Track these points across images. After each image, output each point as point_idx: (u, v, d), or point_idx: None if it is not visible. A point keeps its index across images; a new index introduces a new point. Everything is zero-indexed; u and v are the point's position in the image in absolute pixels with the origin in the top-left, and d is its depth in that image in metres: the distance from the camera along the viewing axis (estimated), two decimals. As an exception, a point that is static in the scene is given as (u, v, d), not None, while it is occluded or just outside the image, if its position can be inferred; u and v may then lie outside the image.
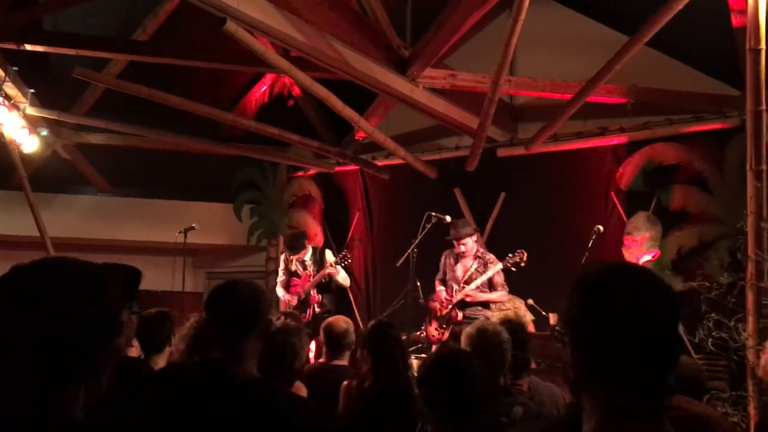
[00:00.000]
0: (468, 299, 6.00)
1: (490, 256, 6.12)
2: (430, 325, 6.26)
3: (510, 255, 5.99)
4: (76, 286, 1.30)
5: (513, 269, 5.97)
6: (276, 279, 7.48)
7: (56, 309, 1.25)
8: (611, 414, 1.23)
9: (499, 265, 5.99)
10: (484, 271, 6.02)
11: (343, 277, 7.29)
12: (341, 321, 4.18)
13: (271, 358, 2.73)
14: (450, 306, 6.08)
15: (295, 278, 7.24)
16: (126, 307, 3.05)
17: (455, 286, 6.10)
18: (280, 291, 7.28)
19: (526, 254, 5.92)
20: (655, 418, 1.24)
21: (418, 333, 6.38)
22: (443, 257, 6.40)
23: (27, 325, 1.24)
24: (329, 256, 7.25)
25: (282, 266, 7.39)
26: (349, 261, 7.28)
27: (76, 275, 1.32)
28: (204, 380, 2.12)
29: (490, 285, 6.04)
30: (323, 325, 4.19)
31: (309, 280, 7.12)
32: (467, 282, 6.05)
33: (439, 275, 6.39)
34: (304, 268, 7.22)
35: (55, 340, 1.24)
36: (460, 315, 6.02)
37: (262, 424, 2.01)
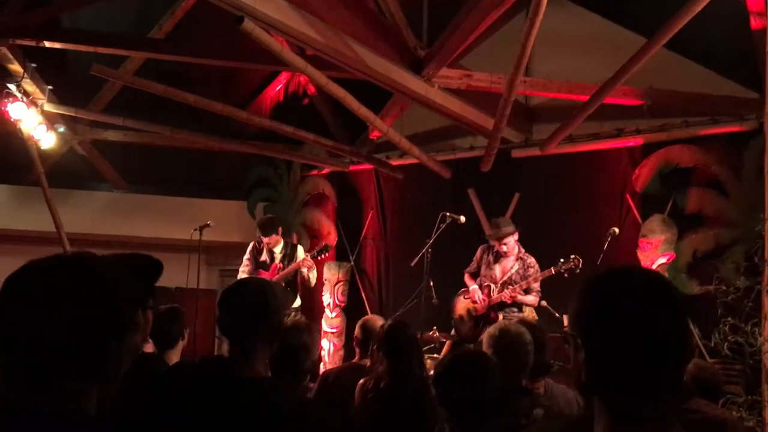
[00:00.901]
0: (508, 301, 5.92)
1: (531, 260, 6.04)
2: (463, 324, 6.18)
3: (562, 260, 5.78)
4: (90, 283, 1.30)
5: (566, 275, 5.74)
6: (241, 268, 7.18)
7: (70, 306, 1.25)
8: (621, 416, 1.24)
9: (538, 280, 5.90)
10: (524, 274, 5.95)
11: (313, 276, 7.17)
12: (378, 320, 4.14)
13: (282, 357, 2.74)
14: (487, 306, 6.02)
15: (262, 270, 7.06)
16: (144, 303, 3.09)
17: (492, 286, 6.05)
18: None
19: (581, 261, 5.69)
20: (665, 420, 1.24)
21: (431, 333, 6.37)
22: (480, 251, 6.34)
23: (40, 321, 1.23)
24: (301, 252, 7.14)
25: (248, 255, 7.18)
26: (325, 256, 7.24)
27: (91, 272, 1.32)
28: (208, 378, 2.13)
29: (526, 288, 6.00)
30: (360, 322, 4.16)
31: (277, 273, 6.98)
32: (506, 284, 5.99)
33: (470, 268, 6.34)
34: (272, 260, 7.12)
35: (68, 337, 1.24)
36: (500, 316, 5.94)
37: (261, 423, 2.01)
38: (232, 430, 2.00)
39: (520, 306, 6.05)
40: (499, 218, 6.32)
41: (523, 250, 6.18)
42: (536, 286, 5.98)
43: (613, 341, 1.23)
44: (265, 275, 6.91)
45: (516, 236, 6.14)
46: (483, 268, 6.24)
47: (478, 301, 6.12)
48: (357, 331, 4.11)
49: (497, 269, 6.13)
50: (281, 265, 7.07)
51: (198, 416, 2.01)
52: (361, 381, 3.50)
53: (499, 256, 6.17)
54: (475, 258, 6.36)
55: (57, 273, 1.29)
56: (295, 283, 7.11)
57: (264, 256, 7.15)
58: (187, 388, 2.10)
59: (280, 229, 7.15)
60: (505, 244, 6.05)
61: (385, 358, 3.40)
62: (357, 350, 4.16)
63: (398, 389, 3.28)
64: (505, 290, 5.96)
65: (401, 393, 3.26)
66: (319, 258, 7.15)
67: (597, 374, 1.26)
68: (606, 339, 1.24)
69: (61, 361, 1.24)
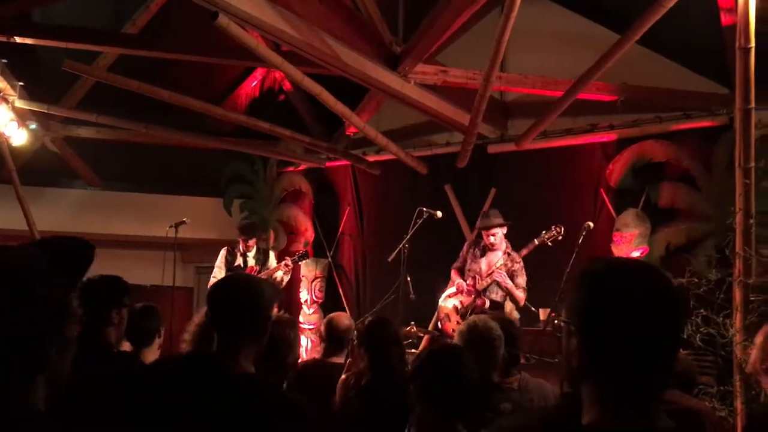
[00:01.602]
0: (498, 279, 5.91)
1: (517, 256, 6.06)
2: (450, 321, 6.21)
3: (544, 231, 5.91)
4: (14, 277, 1.28)
5: (550, 244, 5.88)
6: (212, 273, 7.37)
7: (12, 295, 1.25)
8: (612, 405, 1.25)
9: (524, 252, 5.95)
10: (510, 269, 5.96)
11: (285, 279, 7.51)
12: (344, 317, 4.14)
13: (266, 351, 2.73)
14: (474, 294, 6.04)
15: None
16: (119, 302, 3.06)
17: (477, 278, 6.07)
18: None
19: (562, 228, 5.84)
20: (655, 410, 1.26)
21: (408, 328, 6.38)
22: (466, 245, 6.36)
23: None
24: (272, 258, 7.48)
25: (221, 260, 7.36)
26: (305, 261, 7.56)
27: (14, 264, 1.31)
28: (195, 375, 2.11)
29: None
30: (325, 320, 4.16)
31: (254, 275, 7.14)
32: (489, 275, 5.99)
33: (457, 263, 6.35)
34: (246, 264, 7.29)
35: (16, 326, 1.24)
36: (487, 302, 5.97)
37: (248, 421, 2.00)
38: (219, 427, 1.99)
39: (501, 308, 6.07)
40: (490, 210, 6.33)
41: (510, 247, 6.20)
42: (522, 282, 6.01)
43: (610, 329, 1.25)
44: None
45: (504, 230, 6.15)
46: (469, 262, 6.24)
47: (464, 290, 6.12)
48: (322, 328, 4.10)
49: (483, 263, 6.14)
50: (257, 267, 7.18)
51: (185, 413, 1.99)
52: (342, 377, 3.49)
53: (485, 251, 6.19)
54: (461, 253, 6.38)
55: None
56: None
57: (238, 261, 7.31)
58: (173, 385, 2.08)
59: (257, 233, 7.51)
60: (492, 234, 6.06)
61: (366, 355, 3.39)
62: (322, 348, 4.16)
63: (380, 385, 3.27)
64: (493, 272, 5.93)
65: (383, 389, 3.25)
66: (298, 263, 7.45)
67: (590, 361, 1.28)
68: (603, 326, 1.26)
69: (15, 349, 1.24)
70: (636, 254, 6.19)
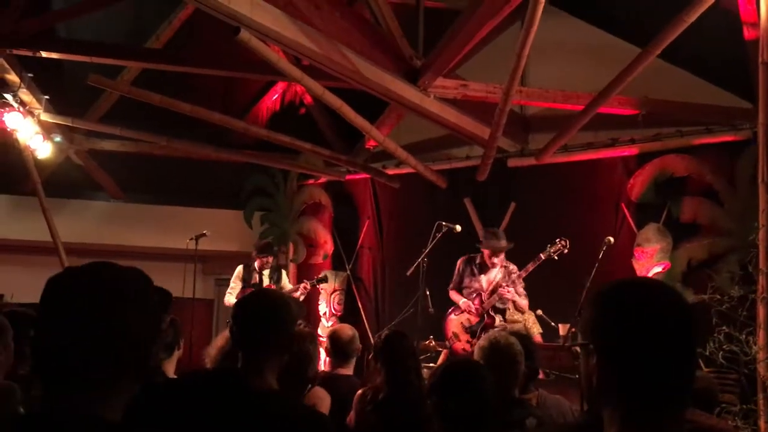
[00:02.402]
0: (508, 296, 5.91)
1: (513, 266, 6.06)
2: (459, 340, 6.19)
3: (549, 245, 5.89)
4: (129, 290, 1.34)
5: (556, 258, 5.86)
6: (228, 289, 7.54)
7: (114, 312, 1.29)
8: (632, 425, 1.25)
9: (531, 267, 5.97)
10: (509, 280, 5.96)
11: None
12: (347, 329, 4.15)
13: (288, 367, 2.73)
14: (482, 314, 6.02)
15: (251, 290, 7.24)
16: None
17: (483, 295, 6.05)
18: (231, 300, 7.33)
19: (567, 241, 5.82)
20: (677, 429, 1.26)
21: (427, 342, 6.36)
22: (460, 263, 6.33)
23: (84, 328, 1.26)
24: (284, 277, 7.65)
25: (236, 277, 7.51)
26: (321, 285, 7.78)
27: (129, 279, 1.37)
28: (220, 390, 2.12)
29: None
30: (328, 333, 4.17)
31: None
32: (494, 291, 5.98)
33: (454, 284, 6.32)
34: (261, 281, 7.40)
35: (111, 343, 1.27)
36: (497, 319, 5.95)
37: None
38: None
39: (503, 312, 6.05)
40: (496, 229, 6.31)
41: (504, 260, 6.21)
42: (521, 289, 6.02)
43: (629, 348, 1.25)
44: None
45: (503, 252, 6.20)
46: (466, 280, 6.23)
47: (473, 310, 6.11)
48: (326, 341, 4.11)
49: (483, 279, 6.14)
50: (273, 285, 7.38)
51: (210, 428, 2.01)
52: (359, 392, 3.48)
53: (483, 268, 6.17)
54: (456, 271, 6.35)
55: (95, 281, 1.33)
56: None
57: (254, 278, 7.42)
58: (199, 399, 2.09)
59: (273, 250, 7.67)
60: (497, 257, 6.10)
61: (383, 369, 3.38)
62: (328, 360, 4.16)
63: (397, 400, 3.26)
64: (500, 288, 5.92)
65: (400, 403, 3.24)
66: (316, 286, 7.59)
67: (610, 381, 1.28)
68: (622, 346, 1.26)
69: (98, 368, 1.26)
70: (657, 269, 6.13)
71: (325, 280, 7.72)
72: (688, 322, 1.27)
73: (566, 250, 5.82)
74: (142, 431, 1.38)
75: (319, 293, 8.60)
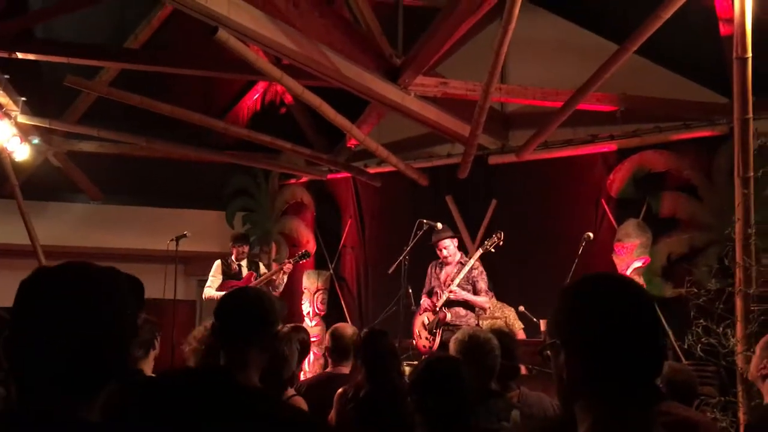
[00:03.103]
0: (452, 296, 5.93)
1: (476, 263, 6.09)
2: (420, 338, 6.22)
3: (487, 240, 6.07)
4: (104, 289, 1.33)
5: (492, 250, 6.02)
6: (207, 284, 7.55)
7: (88, 312, 1.28)
8: (602, 418, 1.26)
9: (473, 261, 6.01)
10: (468, 276, 5.97)
11: (282, 283, 7.63)
12: (347, 327, 4.15)
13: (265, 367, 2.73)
14: (436, 309, 6.05)
15: (232, 281, 7.35)
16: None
17: (439, 291, 6.09)
18: (212, 292, 7.35)
19: (502, 233, 5.99)
20: (646, 422, 1.27)
21: (411, 341, 6.38)
22: (429, 269, 6.35)
23: (59, 328, 1.25)
24: (263, 267, 7.69)
25: (215, 272, 7.51)
26: (304, 261, 7.68)
27: (103, 278, 1.35)
28: (205, 386, 2.11)
29: (474, 291, 6.02)
30: (329, 331, 4.17)
31: (252, 280, 7.29)
32: (448, 285, 6.01)
33: (426, 288, 6.34)
34: (240, 272, 7.47)
35: (87, 342, 1.26)
36: (448, 315, 5.97)
37: None
38: None
39: (471, 309, 6.06)
40: (442, 225, 6.33)
41: (464, 256, 6.23)
42: (484, 286, 6.02)
43: (594, 342, 1.27)
44: (236, 284, 7.11)
45: (455, 242, 6.22)
46: (433, 281, 6.26)
47: (428, 306, 6.14)
48: (327, 339, 4.11)
49: (442, 275, 6.17)
50: (254, 274, 7.40)
51: (195, 425, 2.00)
52: (340, 390, 3.48)
53: (443, 266, 6.21)
54: (426, 277, 6.37)
55: (69, 281, 1.32)
56: None
57: (234, 268, 7.48)
58: (185, 397, 2.08)
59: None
60: (444, 247, 6.10)
61: (364, 367, 3.39)
62: (329, 359, 4.16)
63: (378, 397, 3.27)
64: (447, 290, 5.96)
65: (380, 401, 3.25)
66: (299, 263, 7.58)
67: (578, 376, 1.29)
68: (587, 340, 1.27)
69: (75, 369, 1.25)
70: (637, 264, 6.18)
71: (307, 255, 7.71)
72: (652, 316, 1.29)
73: (501, 242, 5.98)
74: (129, 430, 1.37)
75: (302, 293, 8.58)
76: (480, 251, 6.06)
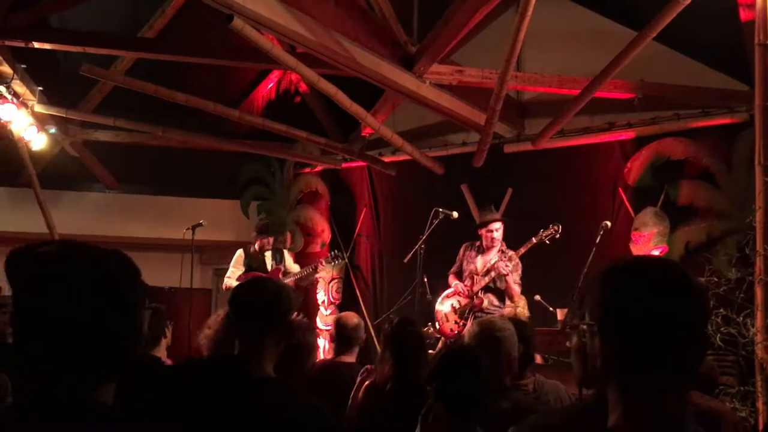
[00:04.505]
0: (504, 270, 5.83)
1: (512, 254, 6.03)
2: (448, 321, 6.20)
3: (543, 229, 5.89)
4: (126, 270, 1.30)
5: (548, 242, 5.87)
6: (227, 274, 7.43)
7: (105, 291, 1.24)
8: (637, 406, 1.23)
9: (523, 250, 5.95)
10: (505, 266, 5.92)
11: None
12: (353, 316, 4.15)
13: (288, 357, 2.72)
14: (472, 295, 6.02)
15: (256, 273, 7.18)
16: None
17: (475, 277, 6.05)
18: (232, 283, 7.20)
19: (560, 226, 5.83)
20: (680, 411, 1.24)
21: (425, 329, 6.37)
22: (462, 249, 6.30)
23: (80, 306, 1.21)
24: (288, 258, 7.59)
25: (236, 262, 7.40)
26: (339, 262, 7.71)
27: (124, 260, 1.32)
28: (221, 376, 2.13)
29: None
30: (334, 319, 4.18)
31: (279, 276, 7.20)
32: (489, 271, 5.96)
33: (454, 268, 6.30)
34: (265, 264, 7.36)
35: (99, 325, 1.23)
36: (485, 301, 5.94)
37: (272, 423, 2.02)
38: (244, 428, 2.01)
39: (502, 299, 6.03)
40: (486, 206, 6.29)
41: (504, 245, 6.16)
42: (517, 278, 5.98)
43: (632, 328, 1.23)
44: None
45: (501, 228, 6.13)
46: (465, 263, 6.20)
47: (462, 290, 6.09)
48: (332, 328, 4.12)
49: (479, 261, 6.10)
50: (281, 267, 7.32)
51: (211, 414, 2.01)
52: (367, 382, 3.44)
53: (480, 250, 6.16)
54: (458, 257, 6.32)
55: (93, 258, 1.28)
56: None
57: (258, 261, 7.36)
58: (200, 386, 2.10)
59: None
60: (495, 230, 6.03)
61: (392, 359, 3.32)
62: (332, 346, 4.16)
63: (404, 391, 3.20)
64: (498, 263, 5.86)
65: (407, 395, 3.19)
66: (333, 263, 7.74)
67: (613, 362, 1.26)
68: (624, 326, 1.24)
69: (89, 353, 1.22)
70: (655, 253, 6.13)
71: (341, 257, 7.70)
72: (695, 302, 1.25)
73: (558, 236, 5.83)
74: (145, 417, 1.35)
75: (317, 282, 8.60)
76: (534, 241, 5.91)
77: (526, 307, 6.43)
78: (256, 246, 7.42)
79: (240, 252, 7.48)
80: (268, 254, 7.43)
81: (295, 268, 7.60)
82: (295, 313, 3.57)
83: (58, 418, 1.20)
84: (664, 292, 1.24)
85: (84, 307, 1.22)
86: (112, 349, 1.26)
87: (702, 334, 1.28)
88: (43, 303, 1.22)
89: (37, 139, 7.26)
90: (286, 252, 7.71)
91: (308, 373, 3.05)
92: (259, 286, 2.32)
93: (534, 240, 5.92)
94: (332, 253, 7.58)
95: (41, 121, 7.43)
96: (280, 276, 7.24)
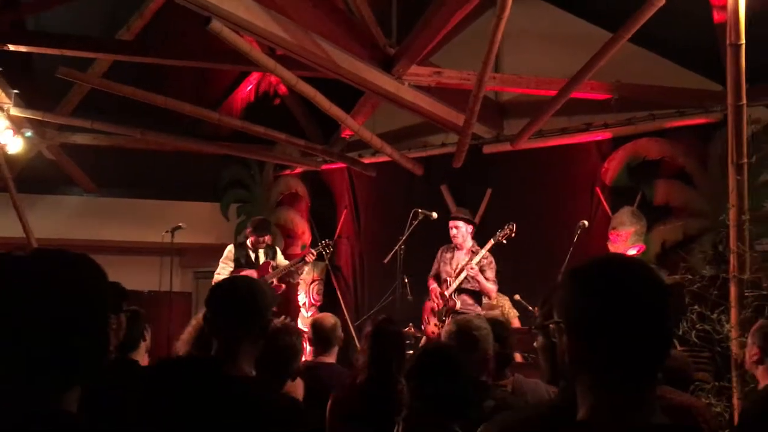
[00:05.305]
0: (471, 272, 5.90)
1: (484, 252, 6.09)
2: (428, 324, 6.24)
3: (499, 231, 6.01)
4: (89, 276, 1.28)
5: (504, 242, 5.98)
6: (217, 270, 7.20)
7: (68, 296, 1.22)
8: (604, 400, 1.26)
9: (484, 251, 6.00)
10: (479, 264, 5.95)
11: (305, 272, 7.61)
12: (329, 317, 4.17)
13: (274, 359, 2.73)
14: (446, 297, 6.06)
15: (246, 269, 7.07)
16: (118, 307, 3.06)
17: (449, 279, 6.09)
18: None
19: (515, 225, 5.94)
20: (647, 405, 1.26)
21: (406, 329, 6.38)
22: (439, 253, 6.35)
23: (37, 312, 1.19)
24: (279, 254, 7.42)
25: (227, 258, 7.20)
26: (329, 251, 7.45)
27: (88, 266, 1.30)
28: (196, 376, 2.11)
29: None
30: (311, 321, 4.19)
31: (269, 270, 7.11)
32: (460, 272, 6.02)
33: (432, 271, 6.34)
34: (257, 259, 7.22)
35: (66, 329, 1.21)
36: (458, 303, 5.98)
37: (248, 422, 2.01)
38: (219, 428, 2.00)
39: (477, 298, 6.08)
40: (433, 213, 6.32)
41: (476, 245, 6.22)
42: (491, 275, 6.03)
43: (597, 324, 1.26)
44: (251, 273, 6.89)
45: (470, 228, 6.21)
46: (441, 265, 6.26)
47: (438, 295, 6.15)
48: (309, 330, 4.13)
49: (453, 263, 6.16)
50: (271, 263, 7.19)
51: (186, 413, 2.00)
52: (349, 381, 3.44)
53: (455, 251, 6.21)
54: (435, 260, 6.37)
55: (56, 264, 1.26)
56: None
57: (251, 256, 7.20)
58: (174, 386, 2.08)
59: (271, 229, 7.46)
60: (455, 227, 6.10)
61: (367, 354, 3.32)
62: (310, 348, 4.18)
63: (382, 388, 3.22)
64: (457, 278, 5.95)
65: (385, 392, 3.20)
66: (325, 253, 7.46)
67: (580, 359, 1.29)
68: (590, 322, 1.27)
69: (52, 359, 1.20)
70: (632, 252, 6.20)
71: (332, 246, 7.60)
72: (661, 300, 1.27)
73: (513, 234, 5.95)
74: (118, 420, 1.34)
75: (298, 284, 8.59)
76: (492, 242, 6.01)
77: (512, 307, 6.48)
78: (249, 242, 7.25)
79: (230, 247, 7.31)
80: (261, 251, 7.26)
81: (285, 262, 7.49)
82: (282, 317, 3.58)
83: (23, 428, 1.17)
84: (629, 290, 1.27)
85: (48, 313, 1.20)
86: (79, 355, 1.23)
87: (667, 329, 1.30)
88: (5, 308, 1.20)
89: (13, 143, 7.19)
90: (277, 248, 7.57)
91: (295, 375, 3.06)
92: (235, 285, 2.31)
93: (492, 241, 6.03)
94: (323, 241, 7.45)
95: (17, 124, 7.35)
96: (270, 270, 7.13)
